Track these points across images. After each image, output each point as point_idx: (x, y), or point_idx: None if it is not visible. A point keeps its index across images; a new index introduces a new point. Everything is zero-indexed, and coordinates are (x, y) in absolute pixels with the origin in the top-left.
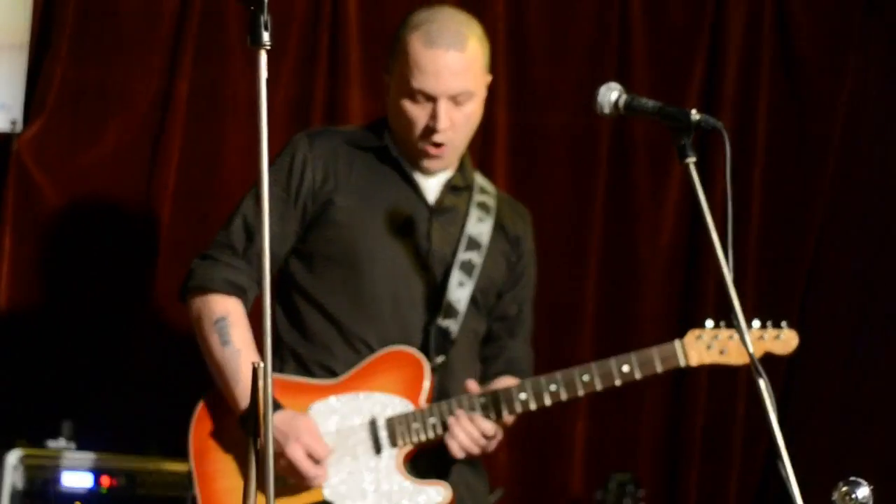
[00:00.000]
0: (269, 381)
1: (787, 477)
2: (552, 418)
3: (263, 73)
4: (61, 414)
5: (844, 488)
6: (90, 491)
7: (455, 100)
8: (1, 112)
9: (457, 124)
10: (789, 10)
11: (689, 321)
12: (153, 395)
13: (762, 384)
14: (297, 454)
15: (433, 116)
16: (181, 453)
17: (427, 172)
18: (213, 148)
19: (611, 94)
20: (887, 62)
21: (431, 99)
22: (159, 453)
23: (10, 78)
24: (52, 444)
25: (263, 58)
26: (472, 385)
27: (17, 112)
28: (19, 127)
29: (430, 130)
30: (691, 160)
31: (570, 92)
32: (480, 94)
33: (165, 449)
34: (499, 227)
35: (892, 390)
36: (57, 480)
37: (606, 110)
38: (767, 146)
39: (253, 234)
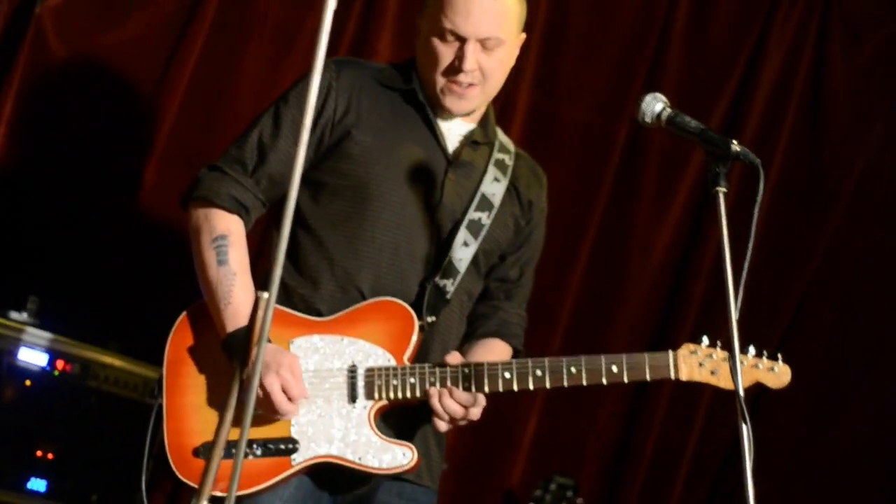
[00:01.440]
0: (270, 314)
1: None
2: (506, 409)
3: (332, 3)
4: (29, 289)
5: None
6: (43, 370)
7: (484, 44)
8: None
9: (484, 69)
10: (829, 60)
11: (663, 341)
12: (125, 292)
13: (745, 430)
14: (273, 386)
15: (460, 57)
16: (140, 356)
17: (448, 115)
18: (231, 60)
19: (656, 104)
20: None
21: (460, 39)
22: (118, 350)
23: None
24: (14, 315)
25: None
26: (452, 358)
27: None
28: None
29: (455, 70)
30: (722, 190)
31: (596, 90)
32: (511, 47)
33: (125, 348)
34: (512, 189)
35: (846, 457)
36: (13, 353)
37: (648, 119)
38: (777, 188)
39: (266, 153)
